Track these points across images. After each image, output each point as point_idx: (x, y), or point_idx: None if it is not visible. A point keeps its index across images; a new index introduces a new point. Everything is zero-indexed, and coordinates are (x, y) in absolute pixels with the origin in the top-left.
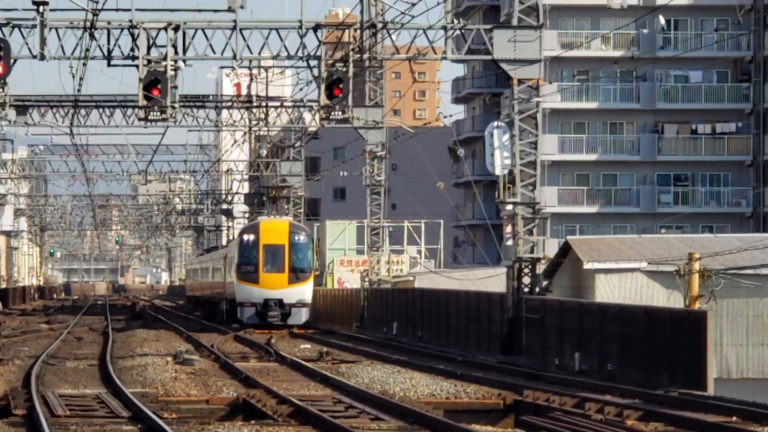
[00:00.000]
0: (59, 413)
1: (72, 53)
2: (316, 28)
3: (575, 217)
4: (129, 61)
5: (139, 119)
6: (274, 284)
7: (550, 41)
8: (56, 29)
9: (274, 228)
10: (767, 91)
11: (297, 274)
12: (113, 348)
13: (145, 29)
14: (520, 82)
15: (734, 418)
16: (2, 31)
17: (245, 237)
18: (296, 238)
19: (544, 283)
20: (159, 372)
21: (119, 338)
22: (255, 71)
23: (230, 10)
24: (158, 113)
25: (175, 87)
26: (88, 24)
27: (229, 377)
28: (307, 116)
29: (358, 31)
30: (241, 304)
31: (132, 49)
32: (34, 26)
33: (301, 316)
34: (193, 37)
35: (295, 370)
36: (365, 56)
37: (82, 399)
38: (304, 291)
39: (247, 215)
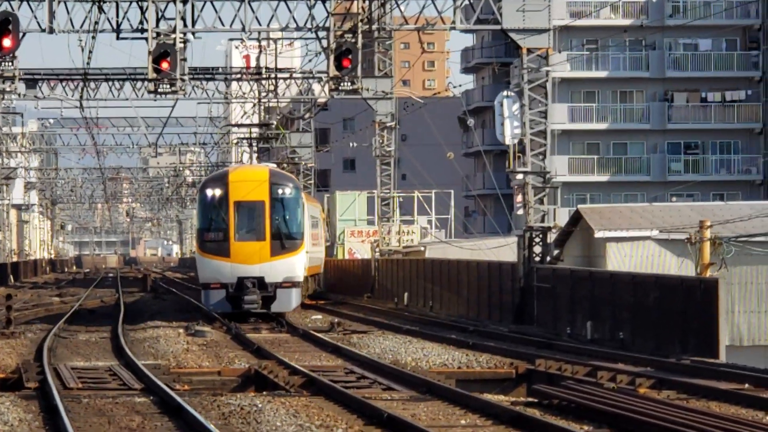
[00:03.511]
0: (71, 386)
1: (81, 26)
2: None
3: (586, 186)
4: (138, 34)
5: (149, 92)
6: (251, 257)
7: (559, 10)
8: (65, 2)
9: (249, 178)
10: None
11: (283, 243)
12: (125, 320)
13: (153, 2)
14: (530, 51)
15: (746, 385)
16: (11, 5)
17: (208, 192)
18: (281, 191)
19: (555, 252)
20: (171, 344)
21: (131, 311)
22: (264, 43)
23: None
24: (168, 86)
25: (185, 59)
26: None
27: (241, 348)
28: (316, 87)
29: (367, 2)
30: (205, 286)
31: (141, 22)
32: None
33: (290, 299)
34: (201, 10)
35: (306, 341)
36: (374, 27)
37: (94, 371)
38: (294, 265)
39: None
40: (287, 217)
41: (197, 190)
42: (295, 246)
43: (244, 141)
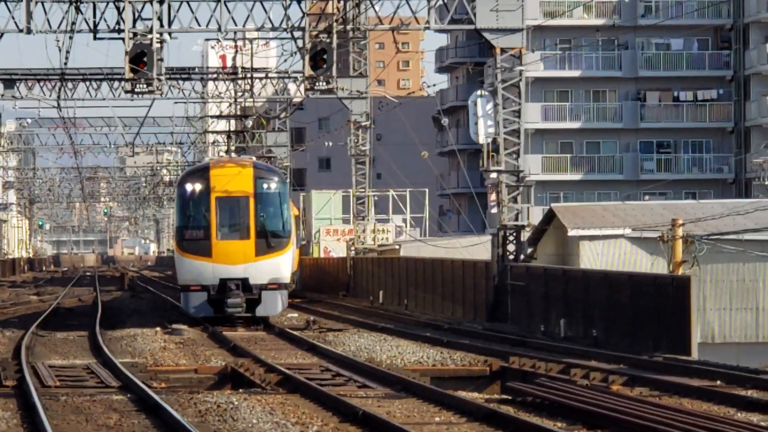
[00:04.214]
0: (49, 384)
1: (58, 27)
2: None
3: (559, 185)
4: (115, 35)
5: (126, 92)
6: (235, 257)
7: (533, 10)
8: (42, 2)
9: (232, 172)
10: (748, 58)
11: (268, 241)
12: (102, 319)
13: (130, 2)
14: (503, 51)
15: (718, 382)
16: None
17: (188, 187)
18: (266, 186)
19: (529, 250)
20: (148, 342)
21: (108, 309)
22: (240, 43)
23: None
24: (145, 86)
25: (161, 59)
26: None
27: (218, 346)
28: (291, 87)
29: (342, 2)
30: (185, 288)
31: (118, 22)
32: (19, 0)
33: (277, 302)
34: (178, 10)
35: (282, 339)
36: (349, 27)
37: (72, 369)
38: (280, 265)
39: None
40: (273, 213)
41: (176, 184)
42: (282, 245)
43: (221, 140)
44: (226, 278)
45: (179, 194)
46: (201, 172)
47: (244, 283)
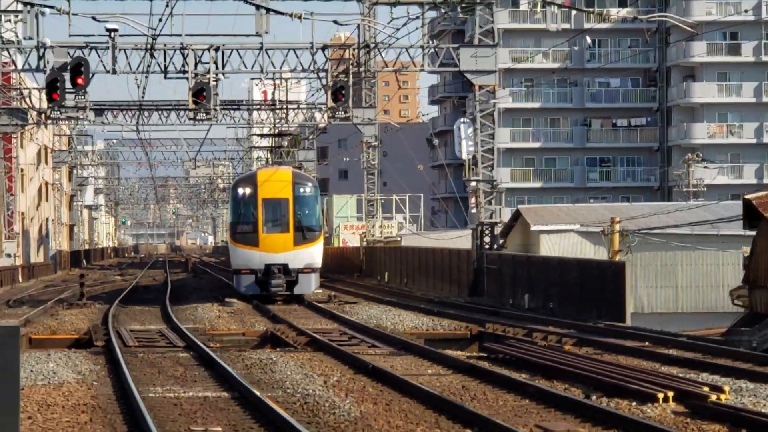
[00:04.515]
0: (130, 344)
1: (137, 68)
2: (324, 48)
3: (524, 191)
4: (181, 75)
5: (189, 119)
6: (277, 247)
7: (503, 56)
8: (124, 50)
9: (275, 179)
10: (670, 94)
11: (304, 234)
12: (171, 294)
13: (192, 50)
14: (481, 87)
15: (646, 343)
16: (83, 52)
17: (240, 191)
18: (302, 190)
19: (501, 241)
20: (206, 312)
21: (176, 287)
22: (277, 81)
23: (257, 35)
24: (204, 114)
25: (216, 94)
26: (149, 46)
27: (260, 315)
28: (317, 115)
29: (357, 50)
30: (237, 272)
31: (183, 65)
32: (107, 48)
33: (311, 283)
34: (230, 56)
35: (310, 310)
36: (362, 69)
37: (147, 333)
38: (313, 254)
39: None
40: (307, 212)
41: (230, 189)
42: (315, 237)
43: (263, 156)
44: (270, 264)
45: (233, 196)
46: (250, 179)
47: (284, 268)
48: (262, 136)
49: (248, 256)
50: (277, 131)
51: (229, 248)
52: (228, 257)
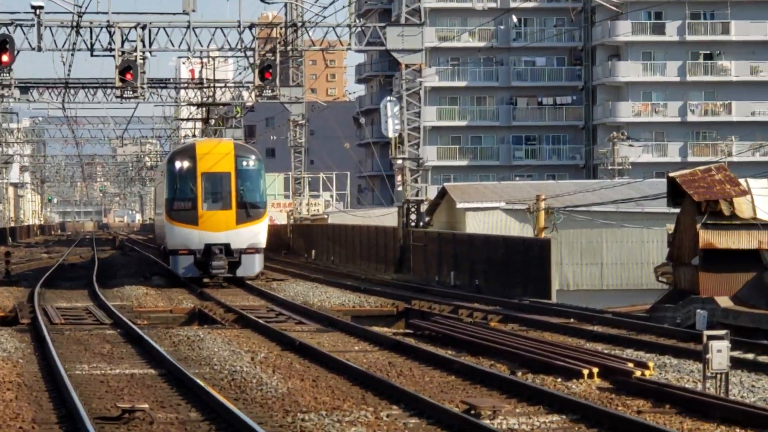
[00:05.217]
0: (56, 321)
1: (63, 46)
2: (251, 26)
3: (450, 169)
4: (107, 53)
5: (116, 97)
6: (218, 225)
7: (430, 35)
8: (50, 27)
9: (216, 151)
10: (595, 73)
11: (248, 211)
12: (98, 271)
13: (119, 28)
14: (407, 66)
15: (572, 320)
16: (8, 29)
17: (177, 164)
18: (245, 163)
19: (427, 219)
20: (134, 289)
21: (103, 264)
22: (205, 60)
23: (185, 13)
24: (131, 92)
25: (144, 72)
26: (75, 24)
27: (188, 293)
28: (245, 94)
29: (284, 29)
30: (174, 252)
31: (110, 43)
32: (32, 25)
33: (254, 264)
34: (157, 34)
35: (238, 287)
36: (289, 48)
37: (74, 310)
38: (258, 232)
39: None
40: (251, 187)
41: (165, 161)
42: (259, 214)
43: (190, 134)
44: (210, 243)
45: (169, 169)
46: (188, 150)
47: (226, 248)
48: (196, 105)
49: (186, 236)
50: (203, 112)
51: (166, 227)
52: (155, 235)
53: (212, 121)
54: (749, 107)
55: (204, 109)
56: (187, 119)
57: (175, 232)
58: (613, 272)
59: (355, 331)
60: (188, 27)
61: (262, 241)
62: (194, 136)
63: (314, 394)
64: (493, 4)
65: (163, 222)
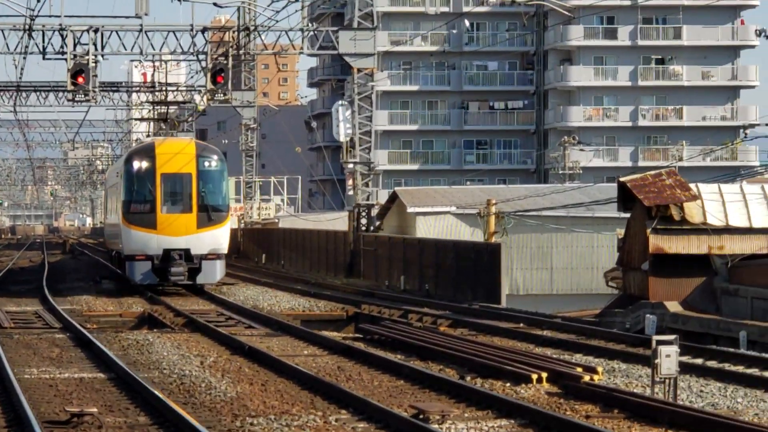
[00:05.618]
0: (5, 325)
1: (15, 49)
2: (204, 30)
3: (401, 173)
4: (60, 56)
5: (68, 100)
6: (178, 229)
7: (382, 39)
8: (2, 30)
9: (176, 151)
10: (546, 77)
11: (209, 215)
12: (49, 275)
13: (72, 31)
14: (359, 70)
15: (521, 324)
16: None
17: (135, 164)
18: (207, 164)
19: (377, 223)
20: (84, 293)
21: (53, 268)
22: (157, 63)
23: (137, 16)
24: (83, 95)
25: (96, 75)
26: (27, 27)
27: (138, 296)
28: (197, 98)
29: (236, 33)
30: (130, 258)
31: (62, 46)
32: None
33: (215, 271)
34: (109, 37)
35: (189, 291)
36: (241, 51)
37: (23, 314)
38: (219, 237)
39: None
40: (213, 189)
41: (122, 161)
42: (221, 218)
43: (142, 138)
44: (169, 249)
45: (126, 170)
46: (147, 150)
47: (186, 254)
48: (154, 103)
49: (144, 240)
50: (156, 114)
51: (121, 230)
52: (106, 239)
53: (163, 125)
54: (700, 112)
55: (161, 108)
56: (142, 119)
57: (132, 236)
58: (563, 277)
59: (304, 335)
60: (141, 30)
61: (224, 246)
62: (148, 136)
63: (263, 398)
64: (445, 9)
65: (119, 225)
